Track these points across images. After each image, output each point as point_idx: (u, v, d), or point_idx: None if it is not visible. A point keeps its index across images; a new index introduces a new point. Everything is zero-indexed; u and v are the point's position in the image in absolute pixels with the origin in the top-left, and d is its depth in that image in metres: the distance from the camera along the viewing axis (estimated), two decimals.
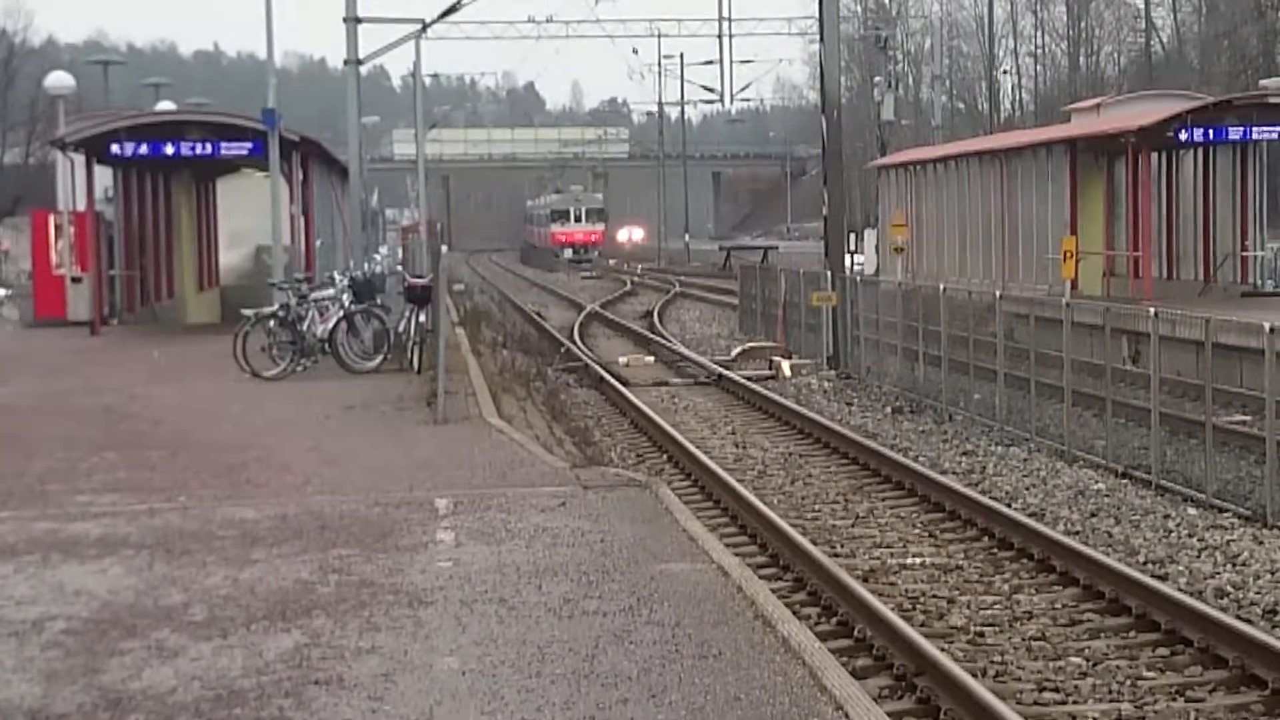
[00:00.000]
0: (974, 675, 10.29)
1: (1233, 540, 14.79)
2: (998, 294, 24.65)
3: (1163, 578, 13.30)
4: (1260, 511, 15.72)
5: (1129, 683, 10.56)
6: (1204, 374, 18.42)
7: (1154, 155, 36.06)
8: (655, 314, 47.49)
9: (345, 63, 32.60)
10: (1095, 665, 10.99)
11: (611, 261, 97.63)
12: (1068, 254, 32.82)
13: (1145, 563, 14.06)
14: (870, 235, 56.01)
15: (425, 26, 33.89)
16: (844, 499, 17.48)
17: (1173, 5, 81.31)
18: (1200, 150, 36.05)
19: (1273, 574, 13.50)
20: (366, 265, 32.41)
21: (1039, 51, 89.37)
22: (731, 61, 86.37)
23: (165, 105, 51.52)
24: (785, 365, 30.45)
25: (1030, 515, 15.79)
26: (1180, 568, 13.86)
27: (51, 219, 35.10)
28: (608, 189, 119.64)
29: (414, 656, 8.50)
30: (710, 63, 77.81)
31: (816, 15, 33.14)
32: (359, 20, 32.05)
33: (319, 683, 8.06)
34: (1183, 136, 33.43)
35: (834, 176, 32.50)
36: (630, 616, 9.24)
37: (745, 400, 26.36)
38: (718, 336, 40.27)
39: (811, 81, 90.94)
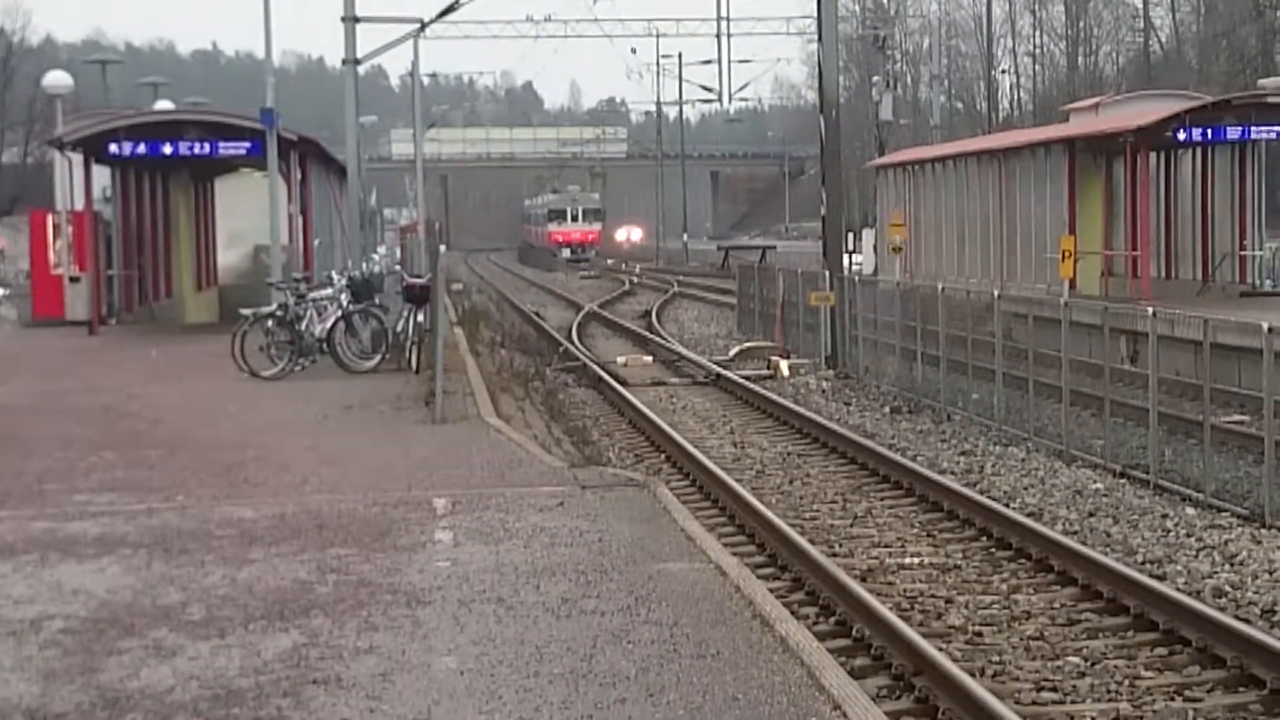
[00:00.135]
0: (972, 675, 10.29)
1: (1231, 540, 14.79)
2: (996, 294, 24.65)
3: (1161, 577, 13.30)
4: (1258, 511, 15.72)
5: (1127, 682, 10.56)
6: (1202, 374, 18.42)
7: (1152, 155, 36.06)
8: (653, 314, 47.50)
9: (343, 62, 32.62)
10: (1093, 665, 11.00)
11: (610, 261, 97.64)
12: (1066, 253, 32.83)
13: (1143, 562, 14.06)
14: (868, 235, 56.05)
15: (423, 26, 33.92)
16: (842, 499, 17.48)
17: (1171, 5, 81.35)
18: (1199, 150, 36.06)
19: (1271, 574, 13.50)
20: (365, 265, 32.37)
21: (1037, 51, 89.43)
22: (730, 61, 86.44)
23: (163, 104, 51.47)
24: (783, 365, 30.45)
25: (1028, 515, 15.80)
26: (1178, 567, 13.86)
27: (50, 218, 35.09)
28: (606, 189, 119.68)
29: (412, 656, 8.50)
30: (708, 62, 77.96)
31: (815, 15, 33.17)
32: (357, 20, 32.07)
33: (317, 682, 8.05)
34: (1181, 136, 33.44)
35: (832, 176, 32.50)
36: (628, 616, 9.24)
37: (743, 400, 26.36)
38: (716, 336, 40.27)
39: (810, 81, 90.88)
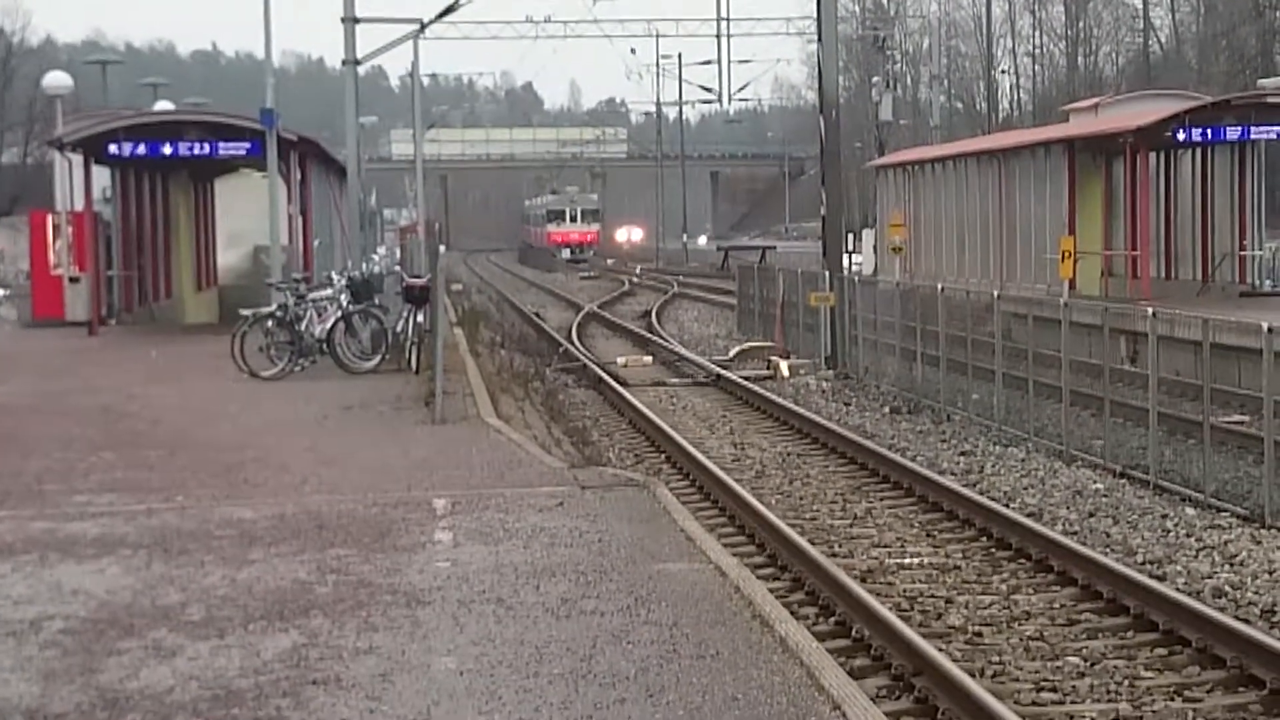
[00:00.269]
0: (972, 675, 10.29)
1: (1231, 540, 14.79)
2: (996, 294, 24.65)
3: (1161, 578, 13.30)
4: (1258, 511, 15.72)
5: (1127, 683, 10.56)
6: (1202, 374, 18.42)
7: (1152, 155, 36.05)
8: (653, 314, 47.51)
9: (343, 63, 32.63)
10: (1093, 665, 11.00)
11: (610, 261, 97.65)
12: (1066, 254, 32.81)
13: (1143, 563, 14.06)
14: (868, 235, 56.05)
15: (423, 26, 33.91)
16: (842, 499, 17.48)
17: (1171, 5, 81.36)
18: (1198, 150, 36.06)
19: (1270, 574, 13.50)
20: (364, 265, 32.38)
21: (1037, 51, 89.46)
22: (729, 61, 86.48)
23: (163, 105, 51.47)
24: (783, 365, 30.45)
25: (1028, 515, 15.79)
26: (1178, 568, 13.86)
27: (49, 219, 35.08)
28: (606, 189, 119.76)
29: (411, 656, 8.50)
30: (708, 63, 78.05)
31: (814, 15, 33.16)
32: (357, 20, 32.08)
33: (317, 683, 8.05)
34: (1181, 136, 33.43)
35: (832, 176, 32.50)
36: (628, 616, 9.24)
37: (743, 400, 26.36)
38: (716, 337, 40.28)
39: (809, 81, 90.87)
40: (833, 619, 12.06)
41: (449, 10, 34.08)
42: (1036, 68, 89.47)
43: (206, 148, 31.05)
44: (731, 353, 34.08)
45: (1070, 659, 11.12)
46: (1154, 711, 10.03)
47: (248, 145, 30.69)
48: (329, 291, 24.16)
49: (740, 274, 45.41)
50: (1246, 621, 11.72)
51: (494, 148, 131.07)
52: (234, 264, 40.90)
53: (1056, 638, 11.70)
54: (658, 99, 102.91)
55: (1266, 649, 10.47)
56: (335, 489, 13.72)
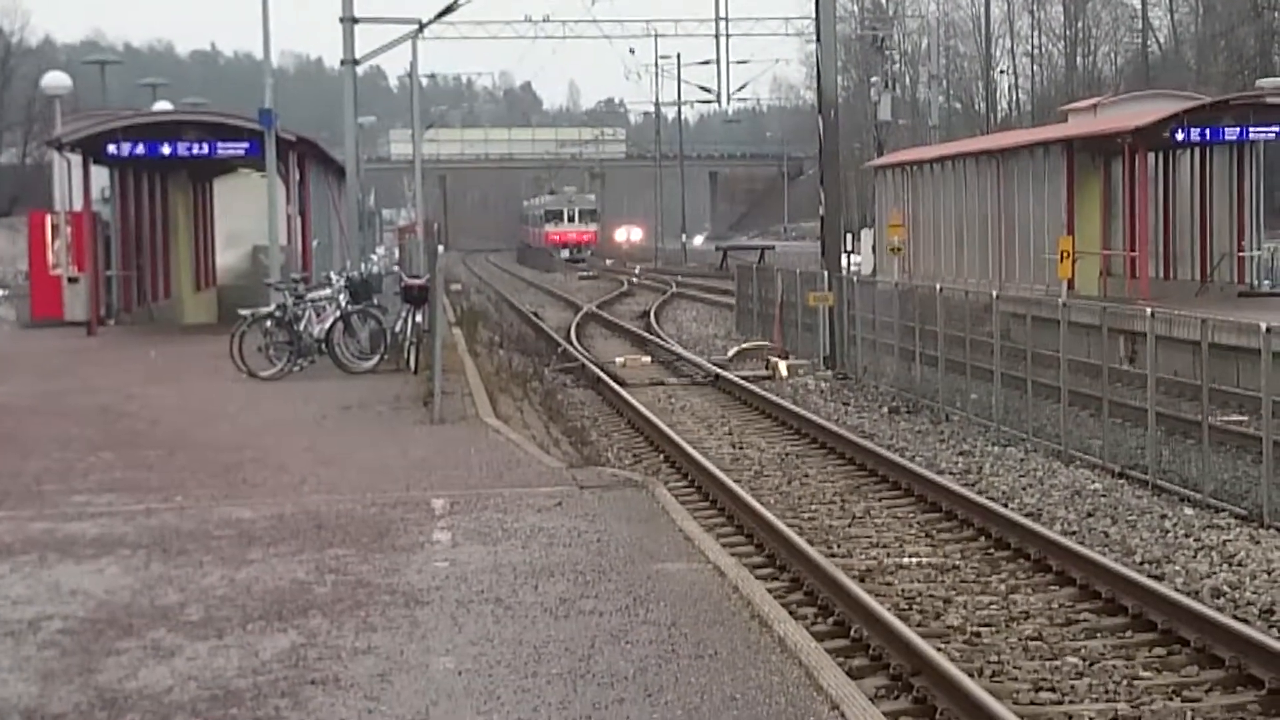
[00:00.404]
0: (970, 675, 10.29)
1: (1229, 540, 14.80)
2: (994, 294, 24.66)
3: (1159, 578, 13.31)
4: (1257, 511, 15.73)
5: (1125, 682, 10.56)
6: (1201, 374, 18.42)
7: (1151, 155, 36.05)
8: (652, 314, 47.51)
9: (342, 63, 32.65)
10: (1092, 665, 11.00)
11: (609, 261, 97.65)
12: (1064, 254, 32.82)
13: (1142, 562, 14.07)
14: (867, 235, 56.06)
15: (422, 26, 33.93)
16: (841, 499, 17.48)
17: (1170, 5, 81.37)
18: (1197, 150, 36.07)
19: (1269, 574, 13.50)
20: (363, 265, 32.39)
21: (1036, 51, 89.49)
22: (728, 61, 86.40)
23: (162, 105, 51.46)
24: (782, 365, 30.45)
25: (1027, 515, 15.79)
26: (1177, 567, 13.86)
27: (48, 219, 35.08)
28: (605, 189, 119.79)
29: (410, 656, 8.50)
30: (707, 63, 77.97)
31: (813, 15, 33.16)
32: (355, 20, 32.10)
33: (315, 683, 8.05)
34: (1179, 136, 33.45)
35: (831, 176, 32.50)
36: (626, 616, 9.24)
37: (742, 400, 26.36)
38: (714, 337, 40.28)
39: (808, 81, 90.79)
40: (831, 619, 12.06)
41: (447, 10, 34.09)
42: (1035, 68, 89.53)
43: (205, 148, 31.06)
44: (730, 353, 34.08)
45: (1069, 659, 11.12)
46: (1152, 711, 10.04)
47: (246, 145, 30.70)
48: (328, 291, 24.16)
49: (739, 274, 45.41)
50: (1245, 621, 11.72)
51: (492, 148, 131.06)
52: (233, 264, 40.90)
53: (1055, 637, 11.71)
54: (656, 99, 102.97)
55: (1265, 649, 10.48)
56: (334, 489, 13.73)
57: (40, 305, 34.42)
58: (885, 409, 25.11)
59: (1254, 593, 12.93)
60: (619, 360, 32.57)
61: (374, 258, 45.45)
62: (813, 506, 17.07)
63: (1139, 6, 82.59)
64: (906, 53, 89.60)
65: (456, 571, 10.42)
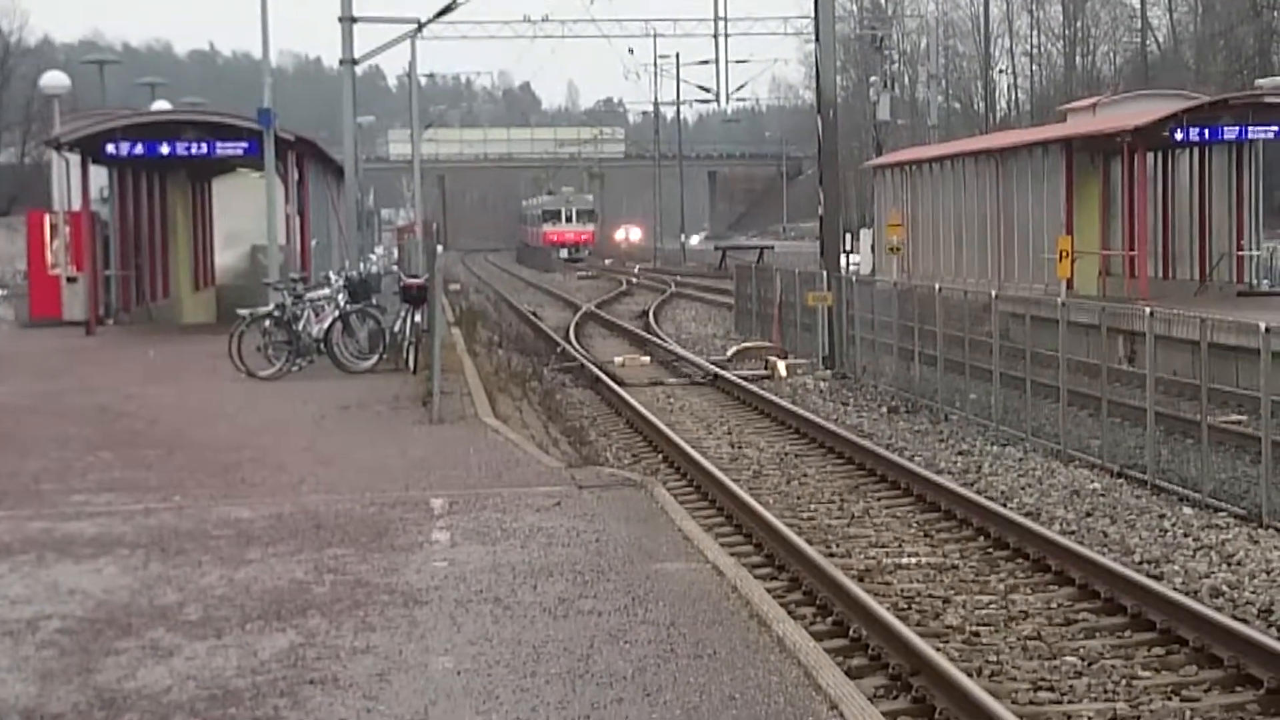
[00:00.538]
0: (969, 675, 10.29)
1: (1228, 540, 14.79)
2: (993, 294, 24.65)
3: (1158, 577, 13.30)
4: (1255, 511, 15.72)
5: (1124, 682, 10.56)
6: (1200, 373, 18.42)
7: (1150, 155, 36.05)
8: (651, 314, 47.51)
9: (341, 62, 32.67)
10: (1090, 665, 10.99)
11: (608, 261, 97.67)
12: (1063, 253, 32.81)
13: (1141, 562, 14.06)
14: (866, 235, 56.05)
15: (421, 26, 33.95)
16: (839, 499, 17.48)
17: (1169, 4, 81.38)
18: (1196, 150, 36.07)
19: (1268, 573, 13.50)
20: (362, 265, 32.38)
21: (1035, 51, 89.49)
22: (727, 61, 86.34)
23: (161, 105, 51.42)
24: (781, 365, 30.45)
25: (1026, 515, 15.80)
26: (1176, 567, 13.86)
27: (47, 219, 35.07)
28: (604, 189, 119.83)
29: (409, 656, 8.49)
30: (706, 62, 78.07)
31: (812, 15, 33.14)
32: (354, 20, 32.12)
33: (314, 682, 8.05)
34: (1178, 136, 33.45)
35: (830, 176, 32.49)
36: (625, 616, 9.24)
37: (741, 400, 26.36)
38: (713, 336, 40.28)
39: (807, 81, 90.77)
40: (830, 618, 12.06)
41: (446, 10, 34.09)
42: (1034, 67, 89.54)
43: (204, 147, 31.05)
44: (729, 352, 34.07)
45: (1068, 658, 11.12)
46: (1151, 711, 10.03)
47: (245, 145, 30.68)
48: (326, 291, 24.16)
49: (738, 274, 45.42)
50: (1244, 621, 11.72)
51: (491, 147, 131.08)
52: (231, 264, 40.90)
53: (1054, 637, 11.70)
54: (655, 99, 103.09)
55: (1264, 648, 10.48)
56: (333, 489, 13.72)
57: (39, 305, 34.41)
58: (884, 409, 25.11)
59: (1253, 592, 12.93)
60: (618, 360, 32.56)
61: (373, 257, 45.45)
62: (811, 506, 17.07)
63: (1138, 6, 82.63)
64: (905, 52, 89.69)
65: (455, 571, 10.41)
